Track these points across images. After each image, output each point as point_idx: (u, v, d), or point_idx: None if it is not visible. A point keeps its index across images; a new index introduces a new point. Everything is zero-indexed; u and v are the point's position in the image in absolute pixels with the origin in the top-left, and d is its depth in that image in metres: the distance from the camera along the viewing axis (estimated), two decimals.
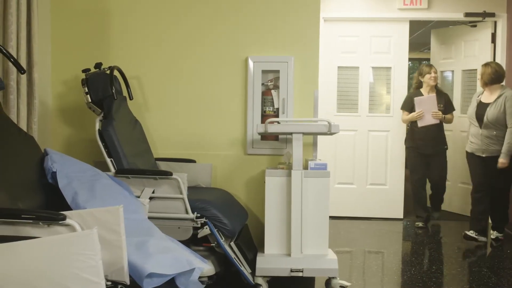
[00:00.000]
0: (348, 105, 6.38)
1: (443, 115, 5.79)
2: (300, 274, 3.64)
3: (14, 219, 2.23)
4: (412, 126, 6.00)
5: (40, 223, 2.21)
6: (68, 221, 2.18)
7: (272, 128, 3.75)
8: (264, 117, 4.25)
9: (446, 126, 6.09)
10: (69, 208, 2.64)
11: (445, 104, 5.89)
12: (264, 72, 4.28)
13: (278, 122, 3.91)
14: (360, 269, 4.36)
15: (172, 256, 2.49)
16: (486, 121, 5.08)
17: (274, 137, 4.27)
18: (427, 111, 5.73)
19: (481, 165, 5.21)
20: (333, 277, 3.68)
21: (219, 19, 4.31)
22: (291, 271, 3.65)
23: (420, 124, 5.79)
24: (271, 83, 4.29)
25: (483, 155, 5.16)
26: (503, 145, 5.00)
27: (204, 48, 4.32)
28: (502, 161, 5.01)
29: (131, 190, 3.20)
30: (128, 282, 2.25)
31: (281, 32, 4.26)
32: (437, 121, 5.75)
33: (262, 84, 4.29)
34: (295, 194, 3.70)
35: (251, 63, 4.24)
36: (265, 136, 4.27)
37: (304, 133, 3.75)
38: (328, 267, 3.69)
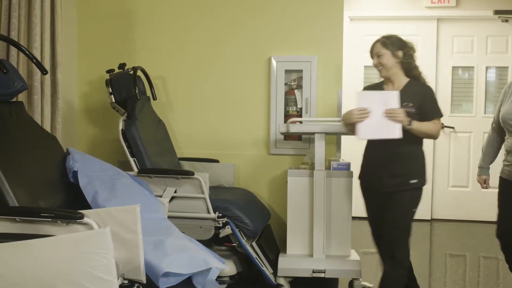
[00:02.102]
0: None
1: (409, 119, 3.02)
2: (322, 275, 3.61)
3: (34, 218, 2.27)
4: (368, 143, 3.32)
5: (58, 221, 2.24)
6: (86, 219, 2.21)
7: (294, 128, 3.74)
8: (287, 117, 4.23)
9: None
10: (90, 207, 2.67)
11: (419, 106, 3.12)
12: (287, 71, 4.26)
13: (300, 122, 3.89)
14: None
15: (189, 256, 2.50)
16: None
17: (297, 137, 4.25)
18: (377, 114, 3.04)
19: None
20: (356, 279, 3.65)
21: (242, 19, 4.30)
22: (313, 271, 3.62)
23: (360, 135, 3.08)
24: (294, 83, 4.27)
25: None
26: None
27: (227, 48, 4.33)
28: None
29: (151, 189, 3.22)
30: (144, 281, 2.27)
31: (304, 31, 4.24)
32: (394, 135, 3.00)
33: (285, 83, 4.27)
34: (317, 194, 3.67)
35: (274, 63, 4.23)
36: (288, 136, 4.25)
37: (326, 133, 3.72)
38: (350, 268, 3.65)
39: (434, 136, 3.22)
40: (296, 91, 4.25)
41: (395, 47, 3.21)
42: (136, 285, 2.28)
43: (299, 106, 4.24)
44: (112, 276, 2.05)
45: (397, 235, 3.10)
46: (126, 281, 2.27)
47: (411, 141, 3.10)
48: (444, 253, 4.93)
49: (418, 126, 3.06)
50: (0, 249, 2.12)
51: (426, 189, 6.22)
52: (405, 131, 3.01)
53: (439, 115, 3.19)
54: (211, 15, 4.34)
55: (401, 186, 3.14)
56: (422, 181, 3.21)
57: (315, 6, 4.22)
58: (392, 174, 3.14)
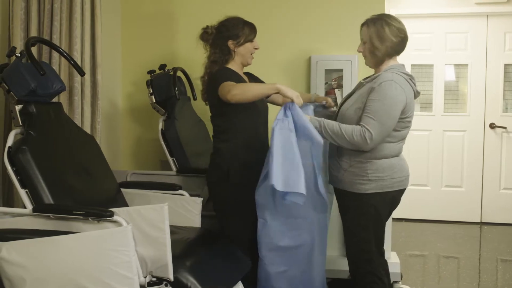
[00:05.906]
0: (421, 104, 6.17)
1: None
2: None
3: (66, 215, 2.34)
4: None
5: (90, 219, 2.29)
6: (115, 217, 2.26)
7: None
8: None
9: None
10: (124, 205, 2.73)
11: None
12: (328, 71, 4.21)
13: None
14: (430, 274, 4.21)
15: None
16: None
17: None
18: None
19: None
20: (396, 281, 3.57)
21: (282, 18, 4.29)
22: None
23: None
24: (334, 82, 4.22)
25: None
26: None
27: (267, 47, 4.31)
28: None
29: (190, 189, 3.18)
30: (172, 279, 2.29)
31: (344, 30, 4.19)
32: None
33: (326, 83, 4.23)
34: None
35: (314, 62, 4.19)
36: None
37: None
38: (390, 270, 3.57)
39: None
40: (336, 90, 4.20)
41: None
42: (164, 282, 2.31)
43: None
44: (133, 274, 2.08)
45: None
46: (154, 279, 2.30)
47: None
48: (494, 257, 4.76)
49: None
50: (29, 244, 2.20)
51: (475, 192, 6.09)
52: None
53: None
54: (251, 15, 4.32)
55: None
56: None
57: (355, 4, 4.16)
58: None
